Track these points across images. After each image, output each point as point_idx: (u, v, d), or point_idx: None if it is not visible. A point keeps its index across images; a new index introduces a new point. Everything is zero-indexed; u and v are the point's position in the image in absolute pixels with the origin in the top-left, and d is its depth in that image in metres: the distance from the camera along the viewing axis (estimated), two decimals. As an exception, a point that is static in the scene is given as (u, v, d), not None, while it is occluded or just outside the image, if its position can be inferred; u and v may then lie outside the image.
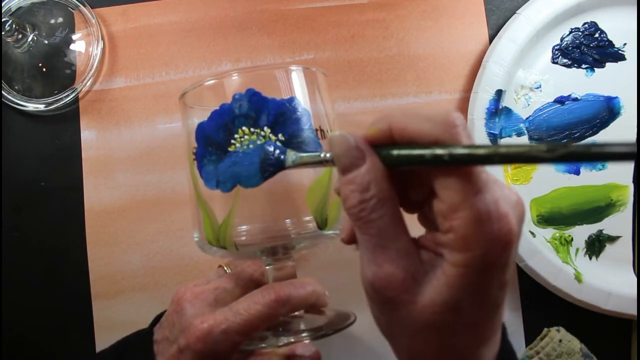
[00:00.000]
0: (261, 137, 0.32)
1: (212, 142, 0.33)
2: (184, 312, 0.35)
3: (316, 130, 0.34)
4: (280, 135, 0.32)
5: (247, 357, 0.35)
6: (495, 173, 0.44)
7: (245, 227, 0.33)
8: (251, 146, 0.32)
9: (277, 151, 0.30)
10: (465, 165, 0.22)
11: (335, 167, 0.26)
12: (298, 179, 0.33)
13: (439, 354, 0.25)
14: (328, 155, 0.27)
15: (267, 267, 0.35)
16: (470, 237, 0.22)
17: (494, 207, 0.22)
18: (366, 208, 0.24)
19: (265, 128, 0.32)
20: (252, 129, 0.32)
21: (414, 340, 0.25)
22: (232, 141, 0.32)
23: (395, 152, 0.24)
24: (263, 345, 0.33)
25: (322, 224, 0.33)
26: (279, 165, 0.30)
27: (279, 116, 0.32)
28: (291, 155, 0.29)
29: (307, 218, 0.33)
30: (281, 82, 0.34)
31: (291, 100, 0.33)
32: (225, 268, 0.40)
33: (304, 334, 0.33)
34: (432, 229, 0.26)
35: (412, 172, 0.26)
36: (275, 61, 0.48)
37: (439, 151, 0.22)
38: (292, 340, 0.32)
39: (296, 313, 0.34)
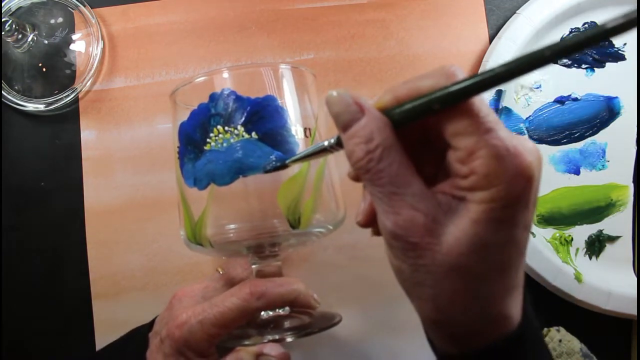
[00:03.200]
0: (234, 136, 0.32)
1: (191, 140, 0.34)
2: (172, 308, 0.36)
3: (304, 129, 0.34)
4: (253, 134, 0.32)
5: (224, 356, 0.36)
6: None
7: (226, 225, 0.34)
8: (225, 145, 0.32)
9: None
10: (473, 95, 0.22)
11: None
12: (274, 177, 0.33)
13: (466, 300, 0.24)
14: (330, 141, 0.27)
15: (253, 266, 0.36)
16: (492, 174, 0.22)
17: (510, 142, 0.22)
18: (373, 158, 0.24)
19: (239, 126, 0.32)
20: (226, 128, 0.32)
21: (439, 287, 0.24)
22: (208, 140, 0.33)
23: (401, 108, 0.24)
24: (247, 342, 0.33)
25: (294, 223, 0.33)
26: (281, 165, 0.31)
27: (253, 115, 0.33)
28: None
29: (277, 221, 0.33)
30: (268, 80, 0.34)
31: (267, 98, 0.33)
32: (220, 271, 0.40)
33: (288, 332, 0.33)
34: None
35: (422, 142, 0.26)
36: (275, 61, 0.48)
37: (443, 90, 0.23)
38: (277, 337, 0.33)
39: (281, 312, 0.35)
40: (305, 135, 0.34)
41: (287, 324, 0.34)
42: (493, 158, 0.22)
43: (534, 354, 0.26)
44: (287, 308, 0.35)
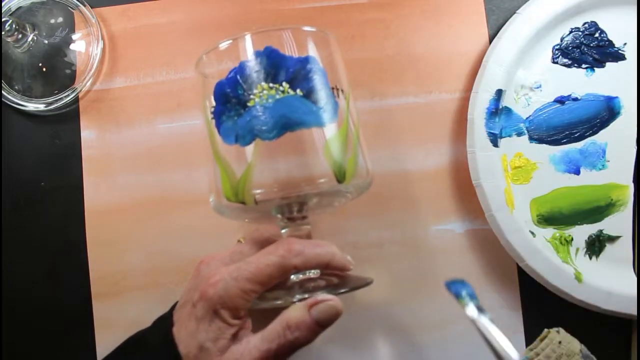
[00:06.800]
0: (280, 92, 0.33)
1: (231, 98, 0.34)
2: (200, 274, 0.36)
3: (333, 88, 0.35)
4: (298, 91, 0.33)
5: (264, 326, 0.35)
6: (495, 172, 0.44)
7: (263, 182, 0.34)
8: (270, 100, 0.33)
9: None
10: None
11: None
12: (317, 134, 0.34)
13: None
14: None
15: (282, 231, 0.36)
16: None
17: None
18: None
19: (284, 83, 0.33)
20: (271, 85, 0.33)
21: None
22: (252, 96, 0.33)
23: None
24: (278, 302, 0.33)
25: (340, 177, 0.34)
26: None
27: (297, 72, 0.34)
28: None
29: (323, 175, 0.34)
30: (294, 43, 0.35)
31: (308, 58, 0.34)
32: (242, 241, 0.40)
33: (321, 291, 0.33)
34: None
35: None
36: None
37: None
38: (307, 296, 0.33)
39: (311, 275, 0.35)
40: (337, 96, 0.35)
41: (319, 284, 0.35)
42: None
43: None
44: (317, 270, 0.35)
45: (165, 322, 0.36)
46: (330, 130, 0.34)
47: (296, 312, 0.32)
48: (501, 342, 0.29)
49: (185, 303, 0.36)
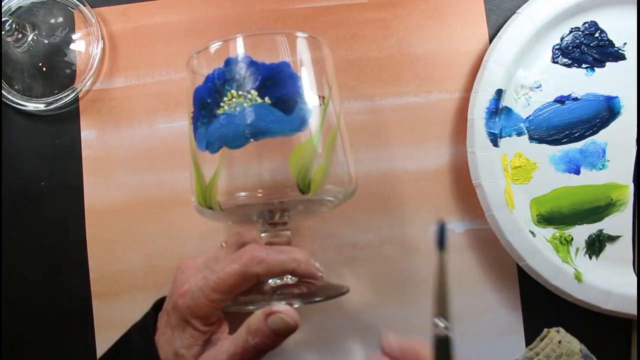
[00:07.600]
0: (248, 100, 0.33)
1: (205, 105, 0.34)
2: (176, 280, 0.36)
3: (319, 97, 0.35)
4: (267, 99, 0.33)
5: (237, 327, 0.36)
6: (495, 172, 0.44)
7: (236, 188, 0.34)
8: (238, 109, 0.33)
9: None
10: None
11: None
12: (285, 142, 0.33)
13: None
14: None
15: (262, 235, 0.36)
16: None
17: None
18: None
19: (253, 91, 0.33)
20: (239, 92, 0.33)
21: None
22: (222, 104, 0.33)
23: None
24: (252, 307, 0.33)
25: (304, 189, 0.33)
26: None
27: (267, 80, 0.33)
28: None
29: (290, 184, 0.33)
30: (284, 48, 0.35)
31: (281, 65, 0.34)
32: (224, 244, 0.40)
33: (294, 298, 0.33)
34: None
35: None
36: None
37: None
38: (283, 303, 0.33)
39: (289, 281, 0.35)
40: (320, 104, 0.35)
41: (294, 290, 0.34)
42: None
43: None
44: (294, 277, 0.35)
45: (148, 328, 0.37)
46: (298, 139, 0.33)
47: (256, 318, 0.32)
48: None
49: (164, 310, 0.36)
